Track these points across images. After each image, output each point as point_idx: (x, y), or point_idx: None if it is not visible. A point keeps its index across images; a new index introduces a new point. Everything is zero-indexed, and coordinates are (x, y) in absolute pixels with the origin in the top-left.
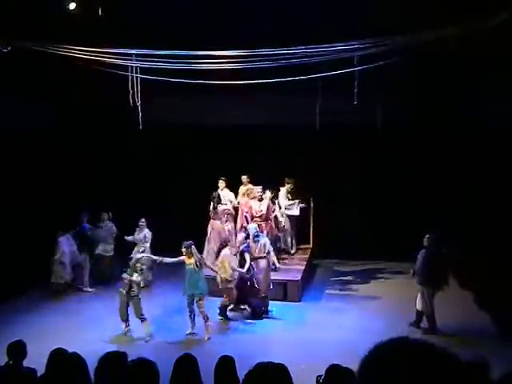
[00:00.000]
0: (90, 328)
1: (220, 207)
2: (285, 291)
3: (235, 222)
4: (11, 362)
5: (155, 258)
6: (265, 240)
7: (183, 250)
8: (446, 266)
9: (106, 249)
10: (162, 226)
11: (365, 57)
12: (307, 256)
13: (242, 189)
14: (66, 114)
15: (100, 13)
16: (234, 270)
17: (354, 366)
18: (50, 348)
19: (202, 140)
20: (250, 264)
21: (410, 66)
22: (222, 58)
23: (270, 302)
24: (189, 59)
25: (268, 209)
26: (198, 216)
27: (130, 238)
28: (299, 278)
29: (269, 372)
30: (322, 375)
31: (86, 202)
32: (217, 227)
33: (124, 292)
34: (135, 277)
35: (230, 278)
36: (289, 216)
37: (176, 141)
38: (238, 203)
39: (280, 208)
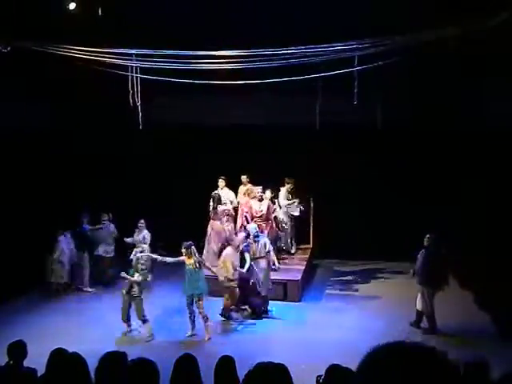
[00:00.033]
0: (90, 328)
1: (220, 208)
2: (285, 291)
3: (235, 222)
4: (11, 362)
5: (156, 256)
6: (265, 240)
7: (183, 250)
8: (446, 266)
9: (106, 250)
10: (162, 227)
11: (365, 57)
12: (307, 256)
13: (241, 188)
14: (66, 113)
15: (100, 13)
16: (235, 269)
17: (354, 366)
18: (51, 348)
19: (202, 140)
20: (250, 264)
21: (409, 66)
22: (222, 58)
23: (270, 301)
24: (189, 59)
25: (268, 209)
26: (198, 216)
27: (129, 239)
28: (299, 277)
29: (269, 372)
30: (321, 375)
31: (86, 202)
32: (216, 227)
33: (124, 292)
34: (136, 276)
35: (232, 277)
36: (289, 215)
37: (176, 141)
38: (238, 203)
39: (280, 207)
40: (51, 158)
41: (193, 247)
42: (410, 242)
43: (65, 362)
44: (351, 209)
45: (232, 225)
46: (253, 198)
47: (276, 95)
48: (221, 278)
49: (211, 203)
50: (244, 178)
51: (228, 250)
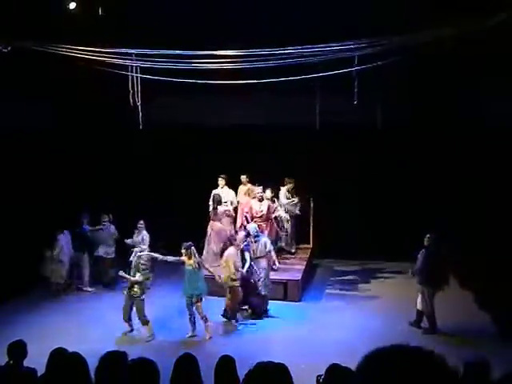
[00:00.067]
0: (91, 328)
1: (220, 208)
2: (285, 291)
3: (235, 222)
4: (11, 362)
5: (157, 255)
6: (265, 239)
7: (183, 250)
8: (446, 265)
9: (107, 251)
10: (162, 227)
11: (364, 57)
12: (307, 256)
13: (241, 188)
14: (67, 114)
15: (100, 13)
16: (237, 269)
17: (354, 366)
18: (51, 348)
19: (202, 140)
20: (251, 263)
21: (409, 66)
22: (222, 58)
23: (270, 301)
24: (189, 59)
25: (268, 209)
26: (198, 216)
27: (129, 240)
28: (299, 277)
29: (269, 372)
30: (321, 375)
31: (86, 202)
32: (216, 228)
33: (125, 292)
34: (137, 276)
35: (234, 277)
36: (290, 214)
37: (176, 141)
38: (238, 202)
39: (281, 207)
40: (51, 158)
41: (193, 248)
42: (410, 242)
43: (65, 362)
44: (351, 209)
45: (232, 226)
46: (253, 198)
47: (276, 95)
48: (217, 278)
49: (211, 202)
50: (244, 177)
51: (230, 249)
